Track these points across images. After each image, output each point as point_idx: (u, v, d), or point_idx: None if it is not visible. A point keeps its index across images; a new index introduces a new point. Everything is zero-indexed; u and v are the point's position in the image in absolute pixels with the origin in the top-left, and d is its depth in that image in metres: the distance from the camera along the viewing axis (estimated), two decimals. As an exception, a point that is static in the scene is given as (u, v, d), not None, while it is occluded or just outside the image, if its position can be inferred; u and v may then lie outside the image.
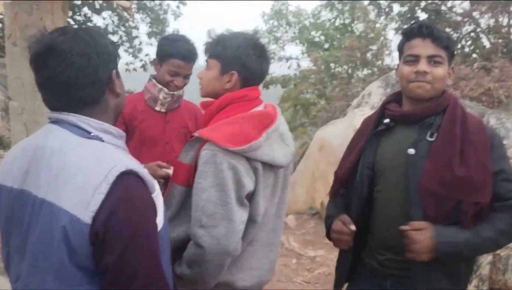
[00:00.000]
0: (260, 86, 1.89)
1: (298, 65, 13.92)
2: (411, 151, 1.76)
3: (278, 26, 14.14)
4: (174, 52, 2.43)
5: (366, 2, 13.09)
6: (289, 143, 1.82)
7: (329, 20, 14.09)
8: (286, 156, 1.77)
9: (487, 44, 10.17)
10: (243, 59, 1.73)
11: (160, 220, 1.24)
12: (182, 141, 2.57)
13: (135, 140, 2.56)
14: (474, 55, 10.20)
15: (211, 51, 1.80)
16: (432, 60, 1.74)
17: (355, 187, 1.95)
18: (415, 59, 1.76)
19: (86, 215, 1.08)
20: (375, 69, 11.03)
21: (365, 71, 11.90)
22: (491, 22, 9.92)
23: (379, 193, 1.89)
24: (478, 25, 10.13)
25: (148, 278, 1.15)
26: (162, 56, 2.47)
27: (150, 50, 15.70)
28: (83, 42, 1.22)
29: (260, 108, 1.78)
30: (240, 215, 1.63)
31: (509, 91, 5.85)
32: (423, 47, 1.75)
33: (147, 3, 15.13)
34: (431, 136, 1.76)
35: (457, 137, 1.70)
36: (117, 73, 1.31)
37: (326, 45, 13.19)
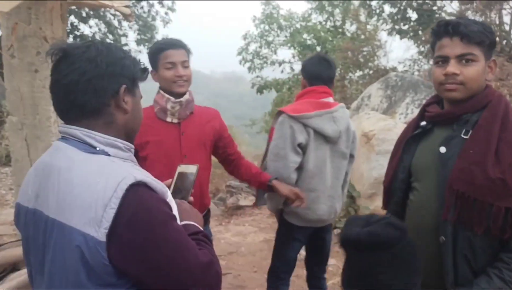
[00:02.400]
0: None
1: (292, 69, 13.86)
2: (443, 149, 1.64)
3: (269, 30, 14.04)
4: (159, 47, 2.38)
5: (357, 3, 13.08)
6: (341, 124, 2.76)
7: (320, 22, 14.04)
8: (333, 131, 2.72)
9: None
10: (305, 69, 2.87)
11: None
12: (201, 150, 2.46)
13: (149, 158, 2.37)
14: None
15: None
16: (463, 59, 1.60)
17: (392, 194, 1.88)
18: (445, 60, 1.64)
19: (99, 233, 1.06)
20: (370, 71, 10.99)
21: (358, 73, 11.85)
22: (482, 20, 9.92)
23: (413, 197, 1.79)
24: (470, 24, 10.12)
25: (189, 277, 1.14)
26: (153, 60, 2.39)
27: (139, 57, 15.50)
28: (96, 50, 1.20)
29: (326, 99, 2.77)
30: (292, 157, 2.66)
31: (511, 89, 5.80)
32: (451, 47, 1.62)
33: (135, 10, 14.96)
34: (465, 133, 1.62)
35: (494, 135, 1.55)
36: (131, 91, 1.26)
37: (318, 48, 13.14)
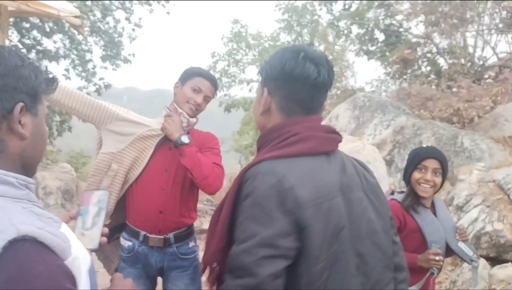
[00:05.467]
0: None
1: (260, 88, 13.73)
2: None
3: (237, 48, 13.92)
4: (200, 72, 2.51)
5: (325, 24, 13.12)
6: None
7: (288, 42, 14.02)
8: None
9: (444, 65, 10.30)
10: None
11: (85, 285, 0.94)
12: (183, 169, 2.39)
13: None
14: (432, 76, 10.30)
15: None
16: None
17: None
18: None
19: None
20: (338, 91, 10.94)
21: (326, 93, 11.78)
22: (446, 44, 10.08)
23: None
24: (436, 46, 10.25)
25: None
26: (187, 75, 2.50)
27: (104, 74, 15.16)
28: None
29: None
30: None
31: (479, 111, 5.76)
32: None
33: (101, 26, 14.61)
34: None
35: None
36: (32, 109, 0.98)
37: (287, 68, 13.05)
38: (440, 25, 9.26)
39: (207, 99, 2.51)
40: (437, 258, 2.27)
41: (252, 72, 18.63)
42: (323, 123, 2.78)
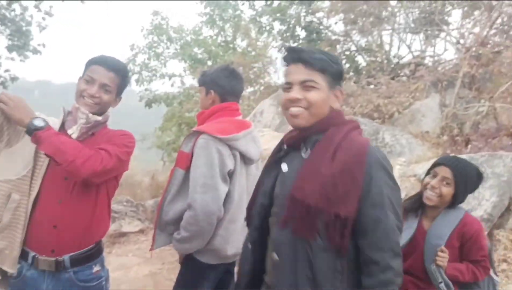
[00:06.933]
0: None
1: (182, 83, 13.38)
2: (284, 167, 1.69)
3: (158, 41, 13.45)
4: (94, 59, 2.15)
5: (247, 19, 13.07)
6: (259, 145, 2.63)
7: (211, 36, 13.81)
8: (256, 153, 2.56)
9: (362, 62, 10.64)
10: (218, 82, 2.53)
11: None
12: None
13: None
14: (351, 73, 10.59)
15: (199, 82, 2.64)
16: (304, 85, 1.63)
17: (252, 219, 1.82)
18: (289, 86, 1.67)
19: None
20: (261, 87, 10.91)
21: (249, 89, 11.76)
22: (364, 41, 10.42)
23: (272, 221, 1.73)
24: (355, 44, 10.55)
25: None
26: (85, 67, 2.17)
27: (10, 65, 14.01)
28: None
29: (239, 117, 2.56)
30: (223, 187, 2.33)
31: (398, 107, 5.94)
32: (295, 73, 1.66)
33: (7, 13, 13.44)
34: (305, 152, 1.66)
35: (331, 148, 1.59)
36: None
37: (210, 62, 12.85)
38: (359, 23, 9.51)
39: (106, 88, 2.11)
40: None
41: (174, 66, 18.21)
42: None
